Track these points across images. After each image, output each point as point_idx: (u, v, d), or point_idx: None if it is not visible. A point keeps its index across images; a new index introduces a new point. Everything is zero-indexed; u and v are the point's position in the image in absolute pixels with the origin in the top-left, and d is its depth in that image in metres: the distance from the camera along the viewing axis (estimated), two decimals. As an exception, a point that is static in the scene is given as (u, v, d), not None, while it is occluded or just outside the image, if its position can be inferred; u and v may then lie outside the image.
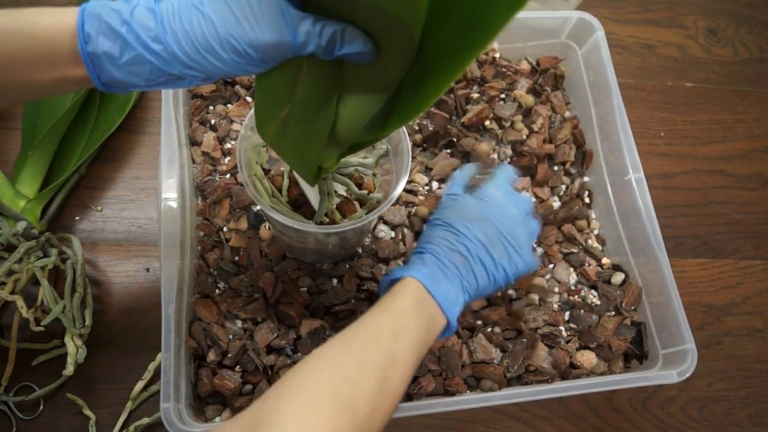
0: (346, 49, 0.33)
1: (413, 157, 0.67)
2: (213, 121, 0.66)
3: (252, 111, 0.51)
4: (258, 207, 0.61)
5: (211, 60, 0.33)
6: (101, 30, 0.33)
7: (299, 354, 0.56)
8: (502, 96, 0.70)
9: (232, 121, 0.66)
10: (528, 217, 0.52)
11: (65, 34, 0.33)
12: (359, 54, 0.34)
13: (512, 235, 0.49)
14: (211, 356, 0.55)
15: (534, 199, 0.69)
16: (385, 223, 0.63)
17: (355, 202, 0.54)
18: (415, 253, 0.48)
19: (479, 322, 0.60)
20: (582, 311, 0.62)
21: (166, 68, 0.34)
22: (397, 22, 0.32)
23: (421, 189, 0.66)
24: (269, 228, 0.60)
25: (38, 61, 0.34)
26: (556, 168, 0.71)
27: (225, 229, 0.61)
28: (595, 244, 0.68)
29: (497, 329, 0.60)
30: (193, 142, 0.65)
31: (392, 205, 0.61)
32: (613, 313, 0.63)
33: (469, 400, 0.54)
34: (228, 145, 0.65)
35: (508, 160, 0.69)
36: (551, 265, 0.66)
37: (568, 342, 0.61)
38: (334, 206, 0.52)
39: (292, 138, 0.40)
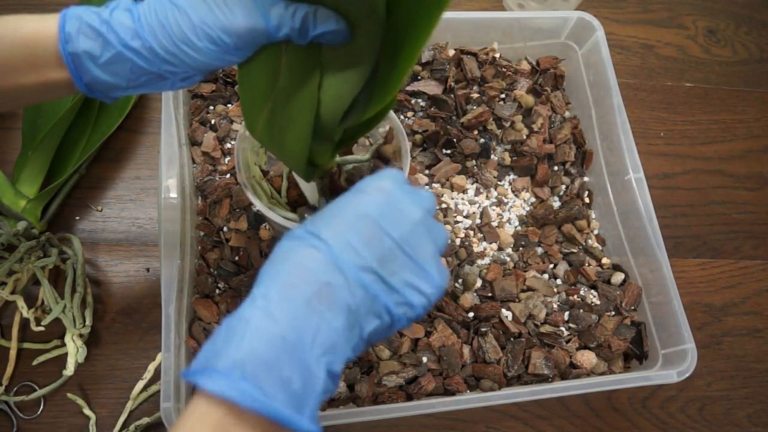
0: (320, 29, 0.34)
1: (413, 158, 0.67)
2: (213, 121, 0.66)
3: (252, 111, 0.51)
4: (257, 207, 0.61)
5: (188, 51, 0.34)
6: (81, 30, 0.34)
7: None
8: (502, 96, 0.70)
9: (232, 121, 0.66)
10: (431, 218, 0.35)
11: (47, 38, 0.34)
12: (333, 33, 0.34)
13: (411, 244, 0.32)
14: (211, 356, 0.55)
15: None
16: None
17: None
18: (244, 306, 0.30)
19: (475, 320, 0.60)
20: (582, 311, 0.62)
21: (146, 66, 0.35)
22: None
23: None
24: (269, 228, 0.60)
25: (21, 66, 0.34)
26: (556, 168, 0.71)
27: (225, 229, 0.61)
28: (595, 244, 0.68)
29: (495, 329, 0.60)
30: (193, 142, 0.65)
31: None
32: (613, 313, 0.63)
33: (469, 400, 0.54)
34: (228, 145, 0.65)
35: (508, 161, 0.69)
36: (552, 265, 0.66)
37: (567, 342, 0.61)
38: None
39: (279, 132, 0.41)
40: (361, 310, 0.31)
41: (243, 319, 0.29)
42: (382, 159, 0.54)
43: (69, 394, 0.57)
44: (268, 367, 0.28)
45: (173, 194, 0.53)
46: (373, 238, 0.31)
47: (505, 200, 0.68)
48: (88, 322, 0.58)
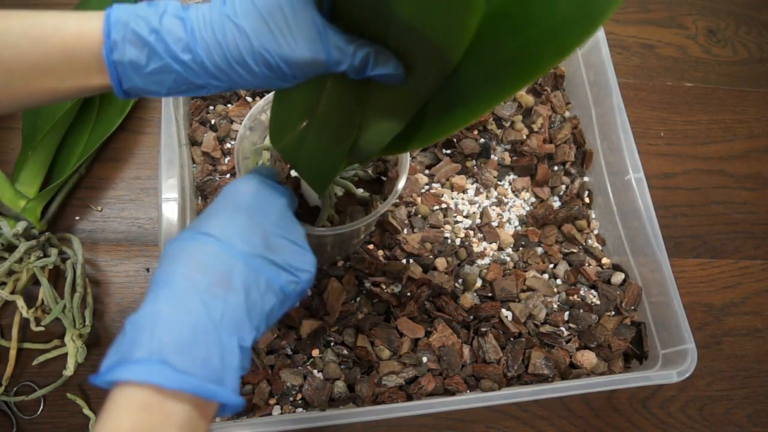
0: (378, 71, 0.33)
1: (413, 158, 0.67)
2: (213, 121, 0.66)
3: (251, 111, 0.51)
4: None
5: (242, 73, 0.33)
6: (128, 38, 0.32)
7: (299, 354, 0.57)
8: (502, 96, 0.70)
9: (232, 121, 0.66)
10: (290, 209, 0.40)
11: (89, 42, 0.32)
12: (390, 76, 0.34)
13: (284, 228, 0.37)
14: (211, 356, 0.55)
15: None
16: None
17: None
18: (146, 304, 0.31)
19: (475, 321, 0.60)
20: (582, 311, 0.62)
21: (192, 78, 0.33)
22: (434, 49, 0.31)
23: (420, 189, 0.66)
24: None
25: (60, 69, 0.33)
26: (556, 168, 0.71)
27: (225, 229, 0.61)
28: (595, 244, 0.68)
29: (495, 329, 0.60)
30: (193, 142, 0.65)
31: (392, 205, 0.62)
32: (613, 312, 0.63)
33: (469, 400, 0.54)
34: (228, 145, 0.65)
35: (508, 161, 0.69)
36: (552, 265, 0.66)
37: (567, 342, 0.61)
38: (333, 210, 0.52)
39: (308, 150, 0.40)
40: (258, 291, 0.34)
41: (150, 314, 0.30)
42: (381, 160, 0.54)
43: (69, 394, 0.57)
44: (184, 349, 0.29)
45: (173, 194, 0.53)
46: (253, 227, 0.35)
47: (505, 200, 0.68)
48: (88, 322, 0.58)
